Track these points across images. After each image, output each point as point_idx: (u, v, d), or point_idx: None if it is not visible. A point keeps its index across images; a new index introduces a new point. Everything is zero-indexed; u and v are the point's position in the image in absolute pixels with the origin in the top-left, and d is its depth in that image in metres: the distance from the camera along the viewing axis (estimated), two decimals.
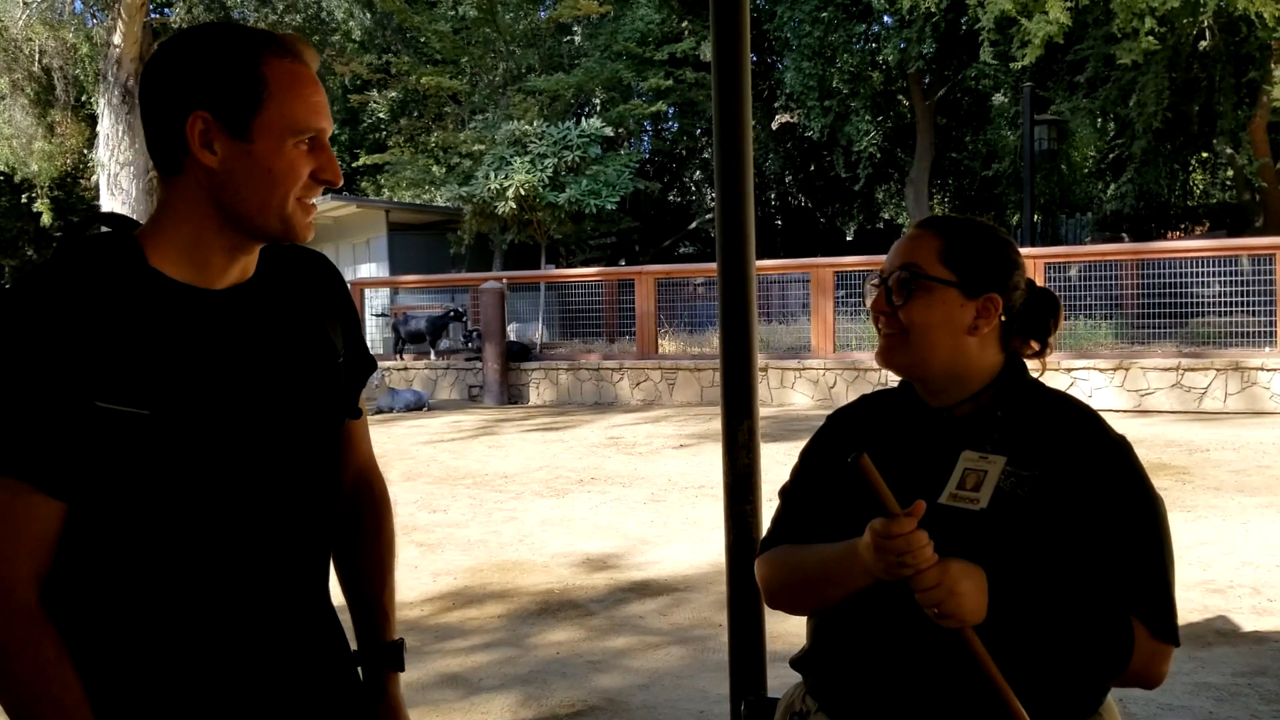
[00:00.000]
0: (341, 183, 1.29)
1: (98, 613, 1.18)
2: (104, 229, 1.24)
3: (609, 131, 19.52)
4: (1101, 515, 1.36)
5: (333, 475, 1.38)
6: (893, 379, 1.55)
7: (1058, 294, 1.55)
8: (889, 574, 1.31)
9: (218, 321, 1.22)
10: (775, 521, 1.61)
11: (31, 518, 1.13)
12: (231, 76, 1.18)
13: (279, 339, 1.28)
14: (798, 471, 1.61)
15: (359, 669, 1.44)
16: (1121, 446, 1.42)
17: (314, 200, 1.26)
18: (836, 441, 1.56)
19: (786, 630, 3.59)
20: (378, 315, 17.41)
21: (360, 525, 1.48)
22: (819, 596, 1.49)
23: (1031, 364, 1.54)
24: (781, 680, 1.80)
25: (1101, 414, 1.48)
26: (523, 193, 17.97)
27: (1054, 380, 1.72)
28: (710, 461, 8.62)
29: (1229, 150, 17.40)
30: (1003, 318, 1.47)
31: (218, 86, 1.17)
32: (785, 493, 1.62)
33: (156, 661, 1.19)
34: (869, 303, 1.51)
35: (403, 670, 1.47)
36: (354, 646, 1.47)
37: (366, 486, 1.49)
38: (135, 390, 1.14)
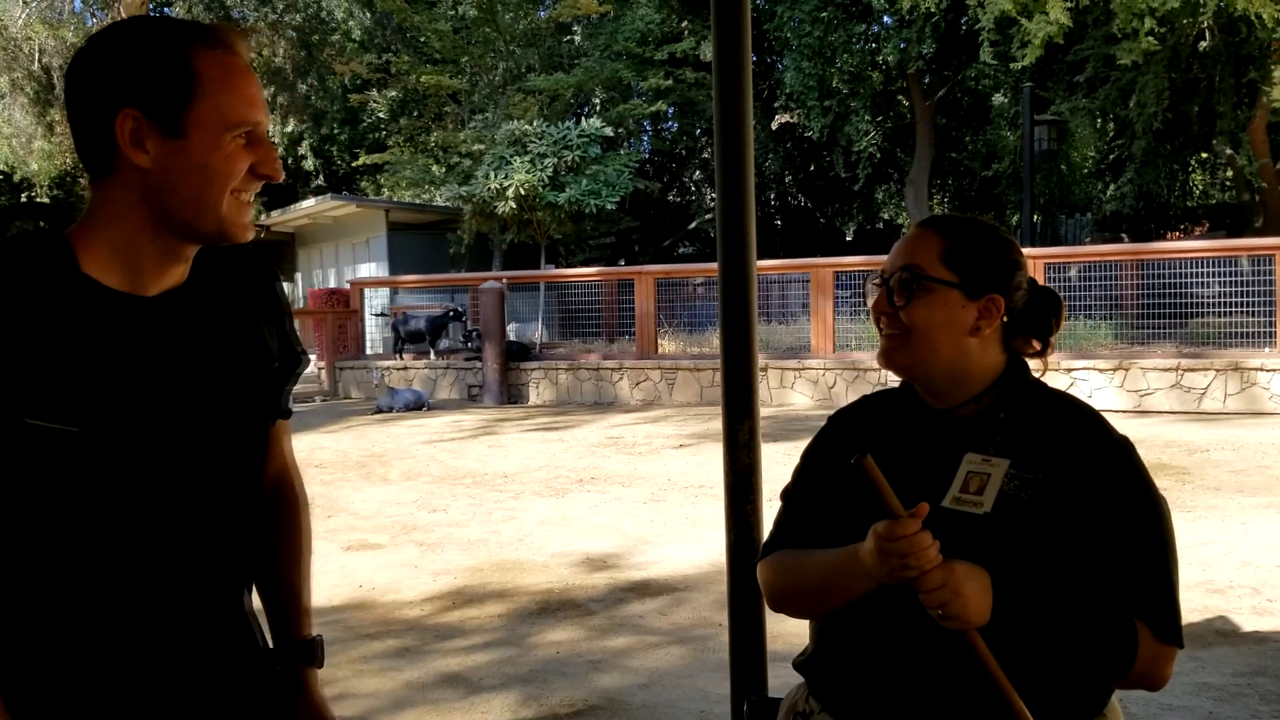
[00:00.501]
0: (282, 177, 1.24)
1: (14, 621, 1.15)
2: (31, 222, 1.19)
3: (609, 131, 19.51)
4: (1105, 518, 1.36)
5: (258, 478, 1.36)
6: (893, 379, 1.54)
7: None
8: (893, 577, 1.30)
9: (150, 332, 1.18)
10: (777, 524, 1.60)
11: None
12: (161, 71, 1.14)
13: (213, 347, 1.24)
14: (799, 473, 1.60)
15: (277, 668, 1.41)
16: (1124, 448, 1.41)
17: (250, 196, 1.21)
18: (838, 443, 1.56)
19: (787, 630, 3.59)
20: (377, 315, 17.41)
21: (277, 524, 1.46)
22: (822, 602, 1.49)
23: (1032, 363, 1.53)
24: (782, 680, 1.80)
25: (1104, 415, 1.48)
26: (522, 192, 17.98)
27: (1053, 380, 1.72)
28: (709, 461, 8.62)
29: (1229, 151, 17.40)
30: (1004, 318, 1.46)
31: (147, 82, 1.13)
32: (787, 495, 1.61)
33: (74, 668, 1.17)
34: (870, 303, 1.51)
35: (320, 666, 1.45)
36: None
37: (285, 485, 1.47)
38: (65, 406, 1.10)
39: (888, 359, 1.48)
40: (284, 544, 1.46)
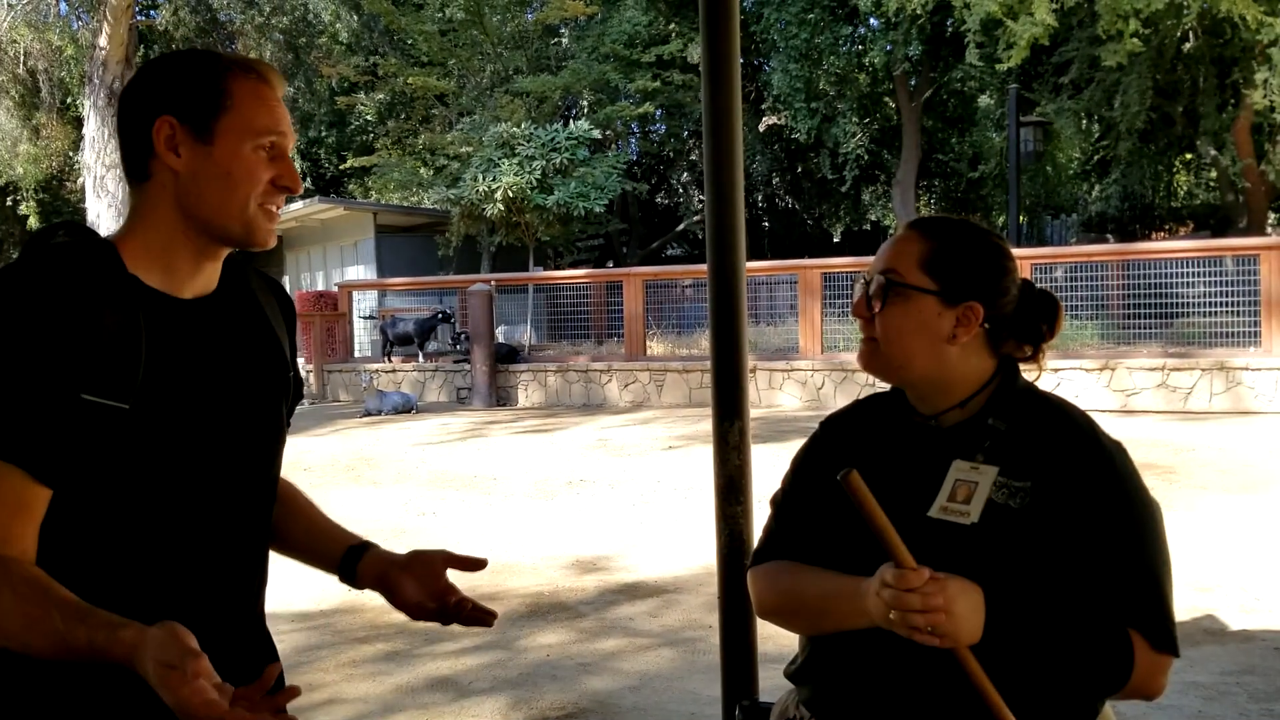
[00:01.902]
0: (301, 190, 1.37)
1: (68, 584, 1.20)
2: (67, 237, 1.27)
3: (596, 133, 19.49)
4: (1096, 526, 1.32)
5: (274, 482, 1.45)
6: (883, 382, 1.53)
7: None
8: (896, 628, 1.26)
9: (188, 328, 1.29)
10: (768, 533, 1.56)
11: (25, 501, 1.17)
12: (198, 85, 1.26)
13: (240, 349, 1.35)
14: (789, 482, 1.57)
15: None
16: (1116, 455, 1.37)
17: (276, 207, 1.32)
18: (828, 451, 1.52)
19: (777, 631, 3.58)
20: (365, 318, 17.36)
21: (283, 503, 1.53)
22: (814, 626, 1.47)
23: (1027, 366, 1.49)
24: (773, 682, 1.80)
25: (1096, 420, 1.43)
26: (510, 195, 17.95)
27: (1039, 380, 1.66)
28: (699, 463, 8.63)
29: (1212, 151, 17.49)
30: (985, 325, 1.41)
31: (184, 93, 1.26)
32: (777, 503, 1.57)
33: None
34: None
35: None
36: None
37: (284, 485, 1.57)
38: (116, 386, 1.20)
39: (865, 362, 1.46)
40: (293, 499, 1.56)
